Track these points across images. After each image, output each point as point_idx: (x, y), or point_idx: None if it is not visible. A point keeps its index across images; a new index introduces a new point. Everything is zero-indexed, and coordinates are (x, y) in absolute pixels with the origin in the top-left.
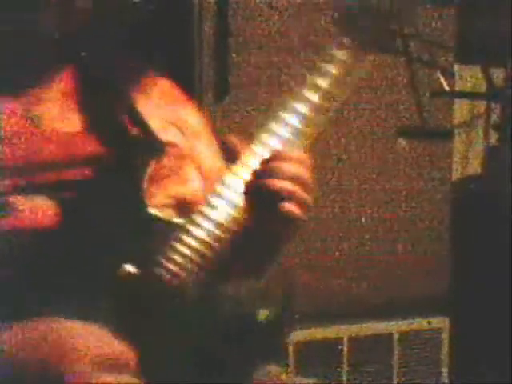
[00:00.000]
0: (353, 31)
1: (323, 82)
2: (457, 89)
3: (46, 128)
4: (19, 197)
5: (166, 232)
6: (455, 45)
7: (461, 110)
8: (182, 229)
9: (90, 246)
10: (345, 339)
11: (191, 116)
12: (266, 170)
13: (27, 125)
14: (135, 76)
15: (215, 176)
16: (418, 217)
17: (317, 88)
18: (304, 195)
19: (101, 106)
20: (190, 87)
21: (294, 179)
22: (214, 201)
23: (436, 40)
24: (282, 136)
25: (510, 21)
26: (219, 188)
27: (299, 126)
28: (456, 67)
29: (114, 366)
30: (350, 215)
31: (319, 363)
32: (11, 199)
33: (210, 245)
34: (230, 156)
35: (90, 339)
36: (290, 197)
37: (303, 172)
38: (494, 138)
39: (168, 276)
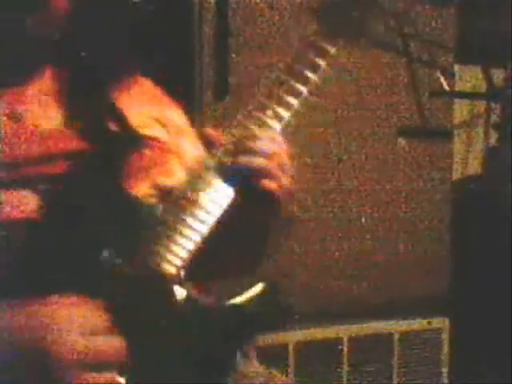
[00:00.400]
0: (324, 21)
1: (302, 66)
2: (457, 89)
3: (28, 125)
4: (2, 191)
5: (149, 221)
6: (455, 45)
7: (461, 110)
8: (167, 213)
9: (73, 238)
10: (345, 339)
11: (175, 114)
12: (241, 151)
13: (10, 122)
14: (117, 74)
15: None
16: (418, 217)
17: (295, 71)
18: (279, 172)
19: (81, 103)
20: (190, 87)
21: (268, 157)
22: (197, 184)
23: (436, 40)
24: (259, 119)
25: (510, 21)
26: (200, 172)
27: (277, 109)
28: (456, 67)
29: (100, 334)
30: (350, 215)
31: (319, 363)
32: None
33: (197, 230)
34: (210, 147)
35: (77, 310)
36: (266, 173)
37: (278, 150)
38: (493, 138)
39: (154, 269)
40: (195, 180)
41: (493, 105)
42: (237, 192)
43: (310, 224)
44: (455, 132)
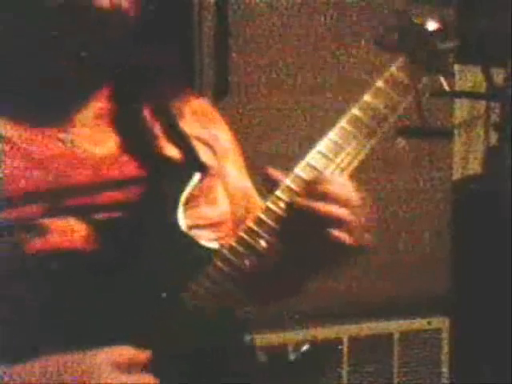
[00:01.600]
0: (408, 54)
1: (377, 103)
2: (457, 89)
3: (80, 151)
4: (50, 219)
5: (201, 256)
6: None
7: (461, 110)
8: (218, 254)
9: (122, 269)
10: (345, 339)
11: (222, 134)
12: (309, 194)
13: (61, 148)
14: (171, 94)
15: (241, 196)
16: (418, 217)
17: (369, 108)
18: (353, 219)
19: (136, 127)
20: (189, 87)
21: (340, 202)
22: (253, 227)
23: None
24: (327, 157)
25: (509, 21)
26: (260, 215)
27: (345, 147)
28: (456, 67)
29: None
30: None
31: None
32: (41, 222)
33: (245, 272)
34: (272, 185)
35: (113, 371)
36: (339, 221)
37: (349, 194)
38: (494, 138)
39: (198, 302)
40: (257, 227)
41: (493, 105)
42: (301, 239)
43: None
44: (455, 132)
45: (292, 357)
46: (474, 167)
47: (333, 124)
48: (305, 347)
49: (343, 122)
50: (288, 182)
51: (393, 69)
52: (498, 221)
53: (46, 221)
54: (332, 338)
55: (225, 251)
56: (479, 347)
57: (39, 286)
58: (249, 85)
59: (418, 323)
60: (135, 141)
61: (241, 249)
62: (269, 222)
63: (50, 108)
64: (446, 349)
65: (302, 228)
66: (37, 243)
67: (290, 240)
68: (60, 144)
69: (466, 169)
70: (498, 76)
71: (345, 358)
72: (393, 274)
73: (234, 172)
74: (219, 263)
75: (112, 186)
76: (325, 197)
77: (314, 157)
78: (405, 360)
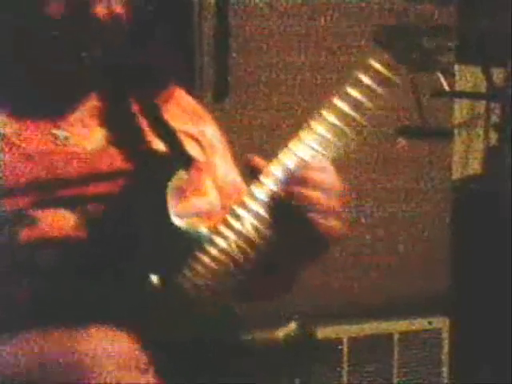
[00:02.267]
0: (389, 48)
1: (358, 93)
2: (457, 89)
3: (72, 147)
4: (41, 210)
5: (190, 242)
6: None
7: (461, 110)
8: (206, 239)
9: (113, 257)
10: (345, 339)
11: (210, 130)
12: (292, 180)
13: (53, 143)
14: (157, 87)
15: (230, 189)
16: (418, 217)
17: (350, 98)
18: (335, 205)
19: (125, 122)
20: (190, 87)
21: (322, 189)
22: (239, 211)
23: None
24: (309, 146)
25: (510, 21)
26: (245, 198)
27: (328, 136)
28: (456, 67)
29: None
30: (350, 215)
31: (319, 363)
32: (32, 212)
33: (234, 256)
34: (254, 173)
35: (111, 345)
36: (320, 207)
37: (332, 181)
38: (494, 138)
39: (191, 286)
40: (241, 210)
41: (493, 105)
42: (285, 225)
43: None
44: (455, 132)
45: (281, 333)
46: (474, 167)
47: None
48: (293, 323)
49: (324, 112)
50: (272, 168)
51: (372, 60)
52: (497, 221)
53: (36, 211)
54: (332, 338)
55: (212, 235)
56: (479, 347)
57: (30, 274)
58: (249, 85)
59: (418, 323)
60: (124, 136)
61: (227, 232)
62: (253, 206)
63: (46, 106)
64: (446, 349)
65: (285, 214)
66: (27, 233)
67: (274, 225)
68: (54, 140)
69: (466, 169)
70: (498, 76)
71: (345, 358)
72: (393, 274)
73: (222, 167)
74: (207, 246)
75: (101, 179)
76: (307, 183)
77: (296, 144)
78: (405, 360)
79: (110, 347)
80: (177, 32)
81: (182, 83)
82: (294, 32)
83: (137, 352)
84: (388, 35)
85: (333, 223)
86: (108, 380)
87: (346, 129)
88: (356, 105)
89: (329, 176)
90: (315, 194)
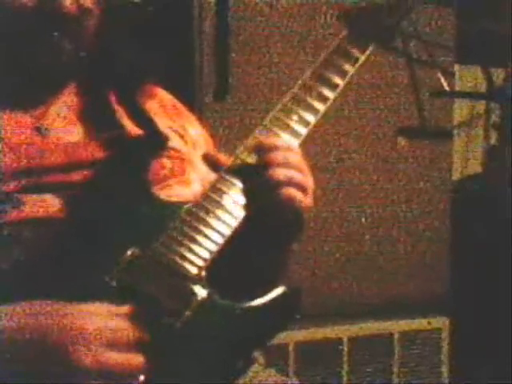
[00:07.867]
0: (354, 27)
1: (328, 72)
2: (457, 89)
3: (53, 139)
4: (25, 194)
5: (172, 221)
6: (455, 45)
7: (461, 110)
8: (190, 214)
9: (94, 235)
10: (345, 339)
11: (191, 127)
12: (262, 163)
13: (36, 136)
14: (137, 86)
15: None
16: (418, 217)
17: (320, 77)
18: (304, 180)
19: (103, 112)
20: (190, 87)
21: (290, 166)
22: (217, 184)
23: (436, 40)
24: (281, 120)
25: (510, 21)
26: (222, 173)
27: (298, 111)
28: (456, 67)
29: (120, 343)
30: (350, 215)
31: (319, 363)
32: (17, 196)
33: (218, 230)
34: (215, 169)
35: (96, 320)
36: (291, 183)
37: (297, 158)
38: (493, 138)
39: (176, 268)
40: (218, 182)
41: (493, 105)
42: (260, 197)
43: (309, 224)
44: (455, 132)
45: (261, 301)
46: (474, 167)
47: (333, 123)
48: (275, 293)
49: (295, 89)
50: (248, 143)
51: (340, 40)
52: (497, 221)
53: (20, 195)
54: (332, 338)
55: (192, 207)
56: (479, 347)
57: (14, 252)
58: (249, 85)
59: (418, 323)
60: (103, 128)
61: (208, 205)
62: (231, 179)
63: (26, 100)
64: (445, 349)
65: (259, 194)
66: (14, 214)
67: (253, 200)
68: (35, 132)
69: (466, 169)
70: (498, 76)
71: (345, 358)
72: (393, 274)
73: (204, 166)
74: (187, 217)
75: (82, 167)
76: (274, 162)
77: (270, 120)
78: (405, 360)
79: (98, 324)
80: (177, 32)
81: (181, 83)
82: (294, 32)
83: (124, 329)
84: (349, 14)
85: (307, 201)
86: (96, 357)
87: (319, 105)
88: (326, 83)
89: (293, 154)
90: (282, 171)
